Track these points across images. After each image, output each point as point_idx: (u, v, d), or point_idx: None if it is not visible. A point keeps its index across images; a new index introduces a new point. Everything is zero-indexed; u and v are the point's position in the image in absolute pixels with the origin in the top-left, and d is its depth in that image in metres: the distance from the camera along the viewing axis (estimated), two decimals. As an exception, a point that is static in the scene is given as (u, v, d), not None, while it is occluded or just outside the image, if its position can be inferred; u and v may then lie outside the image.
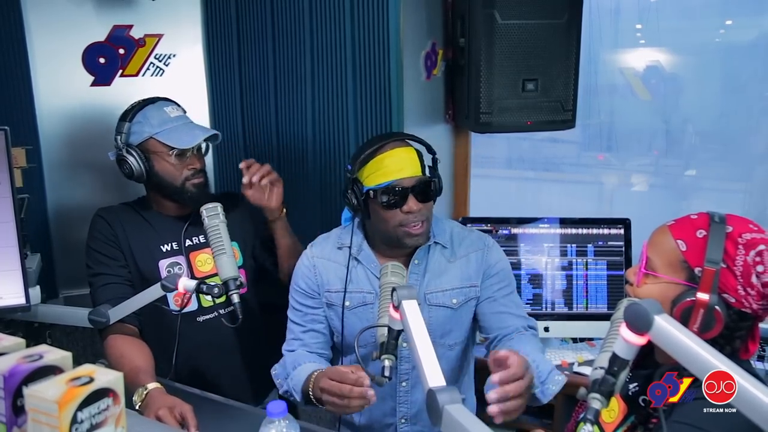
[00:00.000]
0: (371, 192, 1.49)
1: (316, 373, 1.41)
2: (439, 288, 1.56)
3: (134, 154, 1.68)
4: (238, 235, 1.78)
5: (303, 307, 1.61)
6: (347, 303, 1.57)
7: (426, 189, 1.49)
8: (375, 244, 1.60)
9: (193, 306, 1.75)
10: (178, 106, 1.78)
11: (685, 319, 1.08)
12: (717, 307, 1.06)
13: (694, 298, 1.08)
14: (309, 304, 1.61)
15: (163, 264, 1.75)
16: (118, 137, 1.70)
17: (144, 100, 1.74)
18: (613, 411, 1.19)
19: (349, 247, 1.59)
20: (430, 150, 1.55)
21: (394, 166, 1.46)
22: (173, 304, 1.72)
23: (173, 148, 1.68)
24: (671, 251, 1.13)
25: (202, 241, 1.78)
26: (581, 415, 1.01)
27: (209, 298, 1.71)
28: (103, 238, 1.72)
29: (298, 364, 1.52)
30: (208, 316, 1.77)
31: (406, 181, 1.46)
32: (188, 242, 1.78)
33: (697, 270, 1.09)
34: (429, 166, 1.53)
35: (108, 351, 1.63)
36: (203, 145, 1.76)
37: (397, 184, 1.46)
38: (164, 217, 1.79)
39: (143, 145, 1.69)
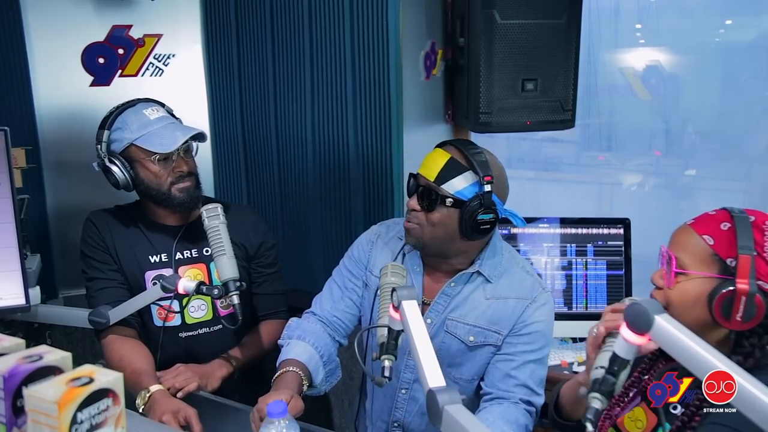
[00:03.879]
0: None
1: (287, 372, 1.40)
2: (462, 319, 1.48)
3: (117, 163, 1.61)
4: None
5: (347, 272, 1.61)
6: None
7: (428, 196, 1.40)
8: None
9: (176, 321, 1.71)
10: (162, 105, 1.70)
11: (726, 311, 1.07)
12: (758, 294, 1.05)
13: (732, 288, 1.06)
14: (354, 272, 1.60)
15: (150, 275, 1.68)
16: (99, 146, 1.62)
17: (122, 105, 1.65)
18: (640, 421, 1.18)
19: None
20: (477, 171, 1.36)
21: (424, 160, 1.44)
22: (156, 318, 1.70)
23: (154, 153, 1.59)
24: (699, 247, 1.12)
25: (194, 255, 1.71)
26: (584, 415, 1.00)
27: (195, 315, 1.72)
28: (93, 243, 1.68)
29: (302, 338, 1.50)
30: (190, 333, 1.72)
31: (421, 178, 1.43)
32: (179, 255, 1.70)
33: (729, 261, 1.08)
34: (480, 194, 1.36)
35: (106, 353, 1.62)
36: (194, 146, 1.68)
37: (416, 175, 1.44)
38: (157, 225, 1.71)
39: (125, 153, 1.61)
